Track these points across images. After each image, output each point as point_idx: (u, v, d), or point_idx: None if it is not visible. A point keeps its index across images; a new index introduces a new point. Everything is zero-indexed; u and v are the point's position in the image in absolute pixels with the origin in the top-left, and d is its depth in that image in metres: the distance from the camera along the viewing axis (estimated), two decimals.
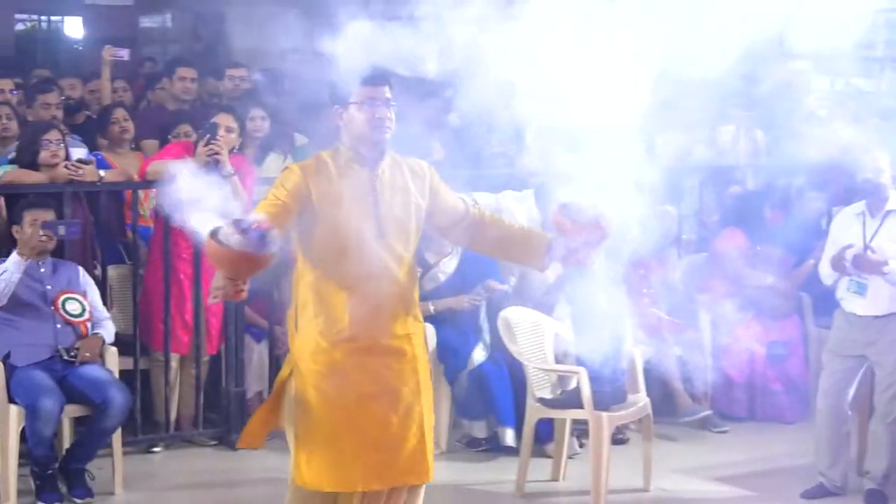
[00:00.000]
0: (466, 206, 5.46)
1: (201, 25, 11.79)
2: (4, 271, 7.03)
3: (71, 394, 7.11)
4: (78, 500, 7.18)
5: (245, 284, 4.78)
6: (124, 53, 8.43)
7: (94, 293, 7.56)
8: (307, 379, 5.19)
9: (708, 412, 8.74)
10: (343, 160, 5.19)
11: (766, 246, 9.19)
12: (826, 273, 7.51)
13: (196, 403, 8.25)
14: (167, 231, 7.88)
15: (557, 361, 7.86)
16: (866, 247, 7.25)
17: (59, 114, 8.90)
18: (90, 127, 9.07)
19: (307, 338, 5.20)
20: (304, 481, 5.19)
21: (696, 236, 9.95)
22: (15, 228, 7.28)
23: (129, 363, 7.90)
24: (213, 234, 4.64)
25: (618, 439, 8.42)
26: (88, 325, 7.42)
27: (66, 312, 7.30)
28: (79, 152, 8.05)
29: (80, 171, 7.74)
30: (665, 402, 8.77)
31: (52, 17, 24.76)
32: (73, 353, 7.23)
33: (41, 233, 7.11)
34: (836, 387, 7.36)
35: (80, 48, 22.26)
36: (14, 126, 8.77)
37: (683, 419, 8.73)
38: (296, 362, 5.26)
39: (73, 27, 24.02)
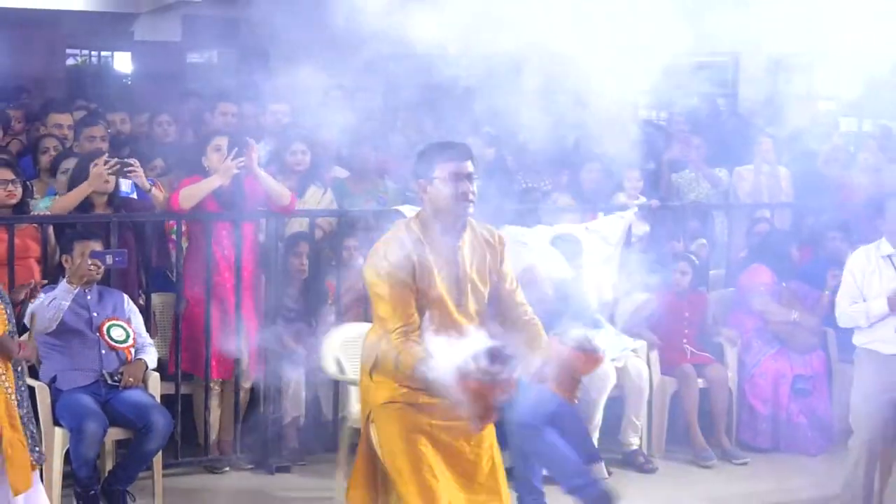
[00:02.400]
0: (517, 289, 5.66)
1: (245, 61, 12.01)
2: (54, 299, 7.15)
3: (114, 417, 7.24)
4: None
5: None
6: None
7: (137, 320, 7.72)
8: (388, 415, 5.42)
9: (713, 460, 8.79)
10: (429, 230, 5.42)
11: (791, 282, 9.35)
12: (856, 314, 7.48)
13: (235, 428, 8.42)
14: (209, 260, 8.15)
15: None
16: None
17: (105, 146, 8.99)
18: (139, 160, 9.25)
19: (385, 387, 5.43)
20: None
21: (723, 272, 10.09)
22: (65, 258, 7.44)
23: (171, 387, 8.08)
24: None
25: (646, 468, 8.62)
26: (132, 350, 7.56)
27: (111, 339, 7.45)
28: (126, 183, 8.28)
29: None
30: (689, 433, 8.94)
31: (102, 53, 25.11)
32: (116, 378, 7.36)
33: (90, 262, 7.25)
34: (876, 429, 7.39)
35: (129, 83, 22.58)
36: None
37: (695, 459, 8.85)
38: (372, 406, 5.49)
39: (123, 62, 24.35)
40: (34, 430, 6.34)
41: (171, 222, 8.37)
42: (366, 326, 8.05)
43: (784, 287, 9.31)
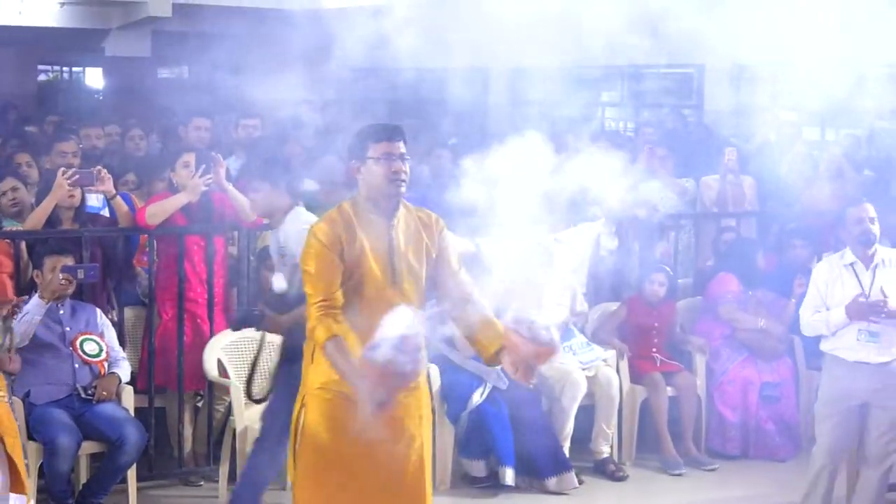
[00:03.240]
0: (460, 271, 5.67)
1: (217, 77, 12.07)
2: (26, 313, 7.18)
3: (88, 431, 7.29)
4: None
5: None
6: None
7: (110, 334, 7.77)
8: (318, 407, 5.46)
9: (682, 470, 8.84)
10: (361, 210, 5.48)
11: (758, 290, 9.43)
12: (817, 323, 7.53)
13: (209, 440, 8.46)
14: (181, 274, 8.21)
15: None
16: (866, 295, 7.33)
17: (77, 161, 9.08)
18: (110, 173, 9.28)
19: (320, 370, 5.45)
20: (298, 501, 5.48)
21: (691, 280, 10.18)
22: (35, 273, 7.48)
23: (144, 400, 8.10)
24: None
25: (617, 476, 8.70)
26: (105, 364, 7.60)
27: (84, 353, 7.49)
28: (96, 197, 8.34)
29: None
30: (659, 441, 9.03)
31: (74, 68, 25.15)
32: (90, 392, 7.40)
33: (61, 276, 7.30)
34: (840, 439, 7.44)
35: (101, 98, 22.62)
36: (35, 174, 9.11)
37: (665, 467, 8.92)
38: (307, 389, 5.53)
39: (94, 78, 24.40)
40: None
41: (145, 237, 8.40)
42: (250, 331, 8.05)
43: (751, 295, 9.39)
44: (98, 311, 7.77)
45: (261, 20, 8.59)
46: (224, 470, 8.13)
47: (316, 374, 5.49)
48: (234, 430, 7.89)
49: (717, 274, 9.59)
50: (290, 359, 6.59)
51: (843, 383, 7.41)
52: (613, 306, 9.43)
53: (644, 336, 9.25)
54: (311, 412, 5.50)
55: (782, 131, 11.67)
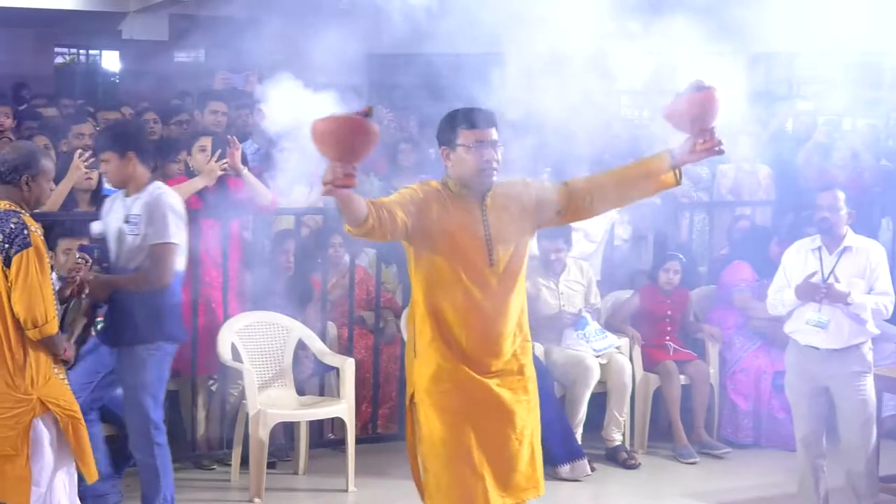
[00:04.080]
0: (563, 186, 5.53)
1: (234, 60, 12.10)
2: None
3: (102, 414, 7.33)
4: None
5: (354, 169, 4.71)
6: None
7: None
8: (432, 400, 5.40)
9: (695, 459, 8.90)
10: (451, 193, 5.39)
11: (772, 279, 9.42)
12: (776, 302, 7.63)
13: (222, 424, 8.51)
14: (196, 257, 8.23)
15: None
16: (824, 279, 7.41)
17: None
18: None
19: (427, 361, 5.40)
20: (435, 500, 5.42)
21: (705, 269, 10.19)
22: (50, 255, 7.46)
23: None
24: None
25: (629, 464, 8.74)
26: None
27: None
28: None
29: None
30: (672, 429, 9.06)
31: (91, 51, 25.19)
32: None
33: (77, 256, 7.35)
34: (808, 422, 7.50)
35: (117, 81, 22.66)
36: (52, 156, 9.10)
37: (676, 455, 8.96)
38: (416, 386, 5.47)
39: (111, 61, 24.44)
40: None
41: None
42: (264, 315, 8.29)
43: (765, 284, 9.36)
44: None
45: (280, 4, 8.58)
46: (237, 453, 8.18)
47: (423, 367, 5.43)
48: (248, 415, 7.93)
49: (730, 262, 9.61)
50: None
51: (799, 367, 7.52)
52: (627, 294, 9.45)
53: (657, 324, 9.26)
54: (424, 408, 5.43)
55: (799, 120, 11.70)
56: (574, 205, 5.50)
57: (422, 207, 5.26)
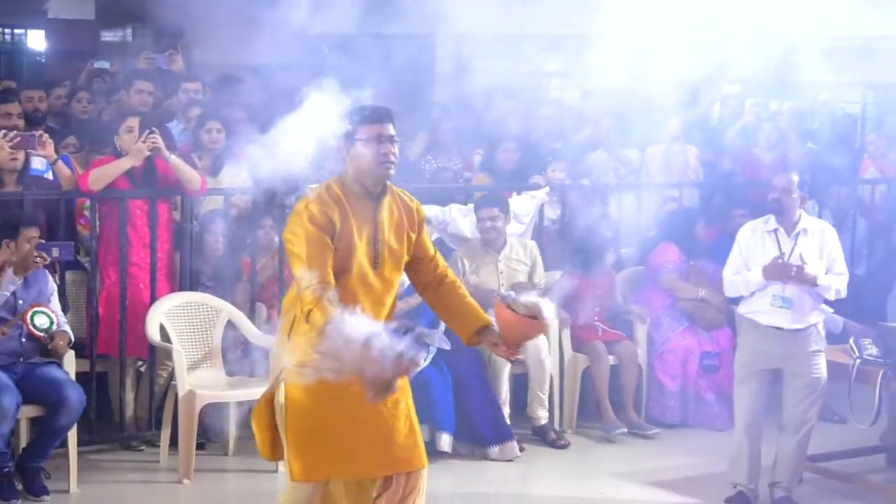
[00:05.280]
0: (436, 255, 5.74)
1: (161, 40, 11.98)
2: None
3: (28, 394, 7.25)
4: (34, 498, 7.34)
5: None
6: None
7: (56, 299, 7.70)
8: (300, 375, 5.36)
9: (623, 429, 8.97)
10: (349, 191, 5.43)
11: (699, 260, 9.53)
12: (737, 283, 7.64)
13: (150, 405, 8.46)
14: (123, 239, 8.19)
15: None
16: (785, 261, 7.45)
17: (20, 123, 8.95)
18: (52, 136, 9.21)
19: (300, 348, 5.38)
20: (301, 476, 5.42)
21: (633, 250, 10.23)
22: (6, 242, 7.37)
23: (86, 365, 8.08)
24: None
25: (558, 444, 8.78)
26: (69, 358, 7.57)
27: (35, 326, 7.35)
28: (40, 161, 8.29)
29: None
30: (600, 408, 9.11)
31: (16, 30, 24.86)
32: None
33: (35, 254, 7.27)
34: (755, 401, 7.55)
35: (43, 60, 22.38)
36: None
37: (605, 433, 9.02)
38: (284, 368, 5.47)
39: (36, 40, 24.11)
40: None
41: (83, 199, 8.36)
42: (193, 295, 8.27)
43: (692, 265, 9.48)
44: (48, 275, 7.68)
45: None
46: (165, 435, 8.15)
47: (296, 351, 5.42)
48: (177, 395, 7.89)
49: (658, 244, 9.68)
50: None
51: (756, 347, 7.55)
52: (556, 275, 9.48)
53: (586, 305, 9.29)
54: (292, 388, 5.43)
55: (726, 103, 11.78)
56: (424, 275, 5.72)
57: (328, 230, 5.33)
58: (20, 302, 7.40)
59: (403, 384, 5.53)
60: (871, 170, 11.16)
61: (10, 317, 7.35)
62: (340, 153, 5.49)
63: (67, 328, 7.67)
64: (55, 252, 7.36)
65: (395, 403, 5.52)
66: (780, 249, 7.50)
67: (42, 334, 7.40)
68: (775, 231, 7.57)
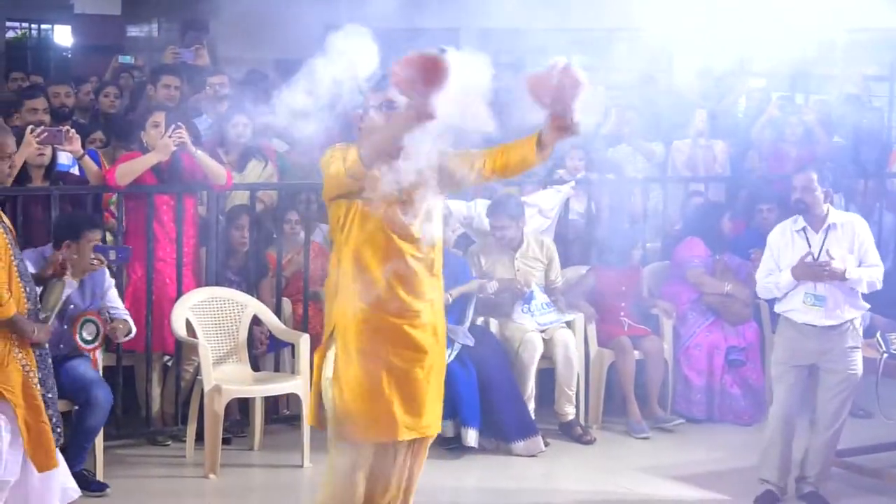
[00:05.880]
0: (475, 162, 5.56)
1: (187, 34, 12.02)
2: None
3: (58, 389, 7.16)
4: (97, 494, 7.38)
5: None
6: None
7: (114, 294, 7.68)
8: (350, 337, 5.57)
9: (647, 435, 8.94)
10: None
11: (725, 255, 9.51)
12: (769, 286, 7.61)
13: (176, 400, 8.49)
14: (150, 234, 8.22)
15: None
16: (815, 258, 7.41)
17: (47, 118, 8.97)
18: (79, 132, 9.23)
19: (347, 300, 5.56)
20: (349, 437, 5.58)
21: (659, 245, 10.23)
22: (67, 243, 7.26)
23: (112, 359, 8.13)
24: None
25: (584, 440, 8.77)
26: (98, 353, 7.58)
27: (82, 338, 7.30)
28: (66, 156, 8.32)
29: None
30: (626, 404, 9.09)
31: (43, 25, 24.99)
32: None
33: (92, 256, 7.23)
34: (791, 398, 7.52)
35: (69, 55, 22.48)
36: None
37: (630, 433, 9.01)
38: (337, 322, 5.62)
39: (63, 35, 24.24)
40: (55, 412, 6.22)
41: (109, 194, 8.39)
42: (219, 290, 8.31)
43: (718, 260, 9.45)
44: (106, 271, 7.61)
45: None
46: (191, 430, 8.16)
47: (343, 304, 5.58)
48: (202, 390, 7.91)
49: (684, 238, 9.66)
50: None
51: (793, 344, 7.52)
52: (582, 270, 9.47)
53: (612, 300, 9.29)
54: (342, 340, 5.58)
55: (751, 96, 11.73)
56: (462, 171, 5.56)
57: None
58: (71, 306, 7.29)
59: (438, 350, 5.72)
60: None
61: (62, 325, 7.25)
62: (356, 123, 5.60)
63: (129, 318, 7.66)
64: (112, 255, 7.35)
65: (430, 368, 5.67)
66: (809, 247, 7.47)
67: (89, 346, 7.37)
68: (804, 230, 7.54)
